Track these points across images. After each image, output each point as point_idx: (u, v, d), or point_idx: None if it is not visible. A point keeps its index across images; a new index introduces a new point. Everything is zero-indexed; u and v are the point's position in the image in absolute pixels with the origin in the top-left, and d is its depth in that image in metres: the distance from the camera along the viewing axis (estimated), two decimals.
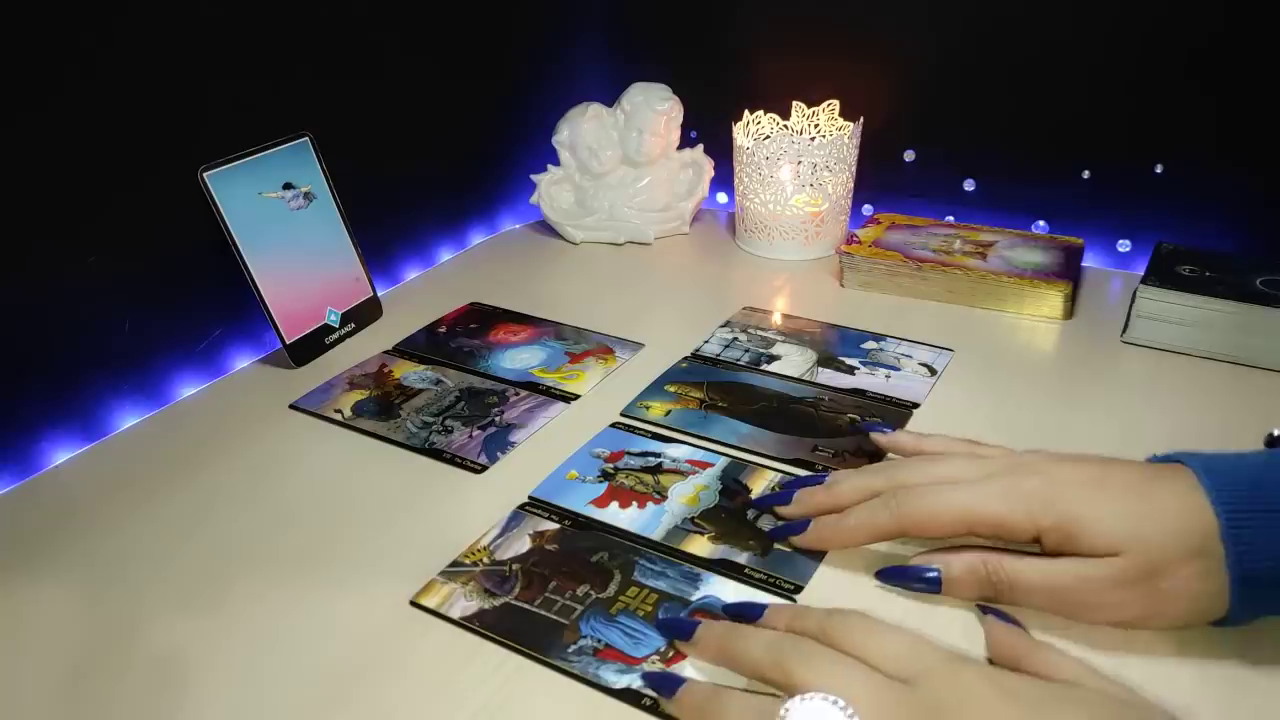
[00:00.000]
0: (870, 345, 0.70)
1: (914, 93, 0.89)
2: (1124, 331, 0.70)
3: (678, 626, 0.44)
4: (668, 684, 0.41)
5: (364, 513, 0.54)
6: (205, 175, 0.65)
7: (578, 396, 0.65)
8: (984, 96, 0.86)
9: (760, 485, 0.55)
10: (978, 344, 0.70)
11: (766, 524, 0.52)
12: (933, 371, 0.67)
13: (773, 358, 0.69)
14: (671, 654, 0.43)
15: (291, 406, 0.65)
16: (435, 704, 0.42)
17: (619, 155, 0.92)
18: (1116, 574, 0.42)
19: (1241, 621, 0.42)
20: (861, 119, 0.86)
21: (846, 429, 0.60)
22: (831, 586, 0.48)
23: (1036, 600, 0.44)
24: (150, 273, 0.66)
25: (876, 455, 0.57)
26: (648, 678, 0.42)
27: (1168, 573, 0.41)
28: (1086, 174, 0.84)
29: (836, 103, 0.88)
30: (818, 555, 0.49)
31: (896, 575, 0.46)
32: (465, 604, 0.47)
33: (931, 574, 0.45)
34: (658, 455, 0.58)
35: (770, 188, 0.85)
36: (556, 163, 0.93)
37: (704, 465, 0.57)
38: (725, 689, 0.40)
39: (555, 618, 0.46)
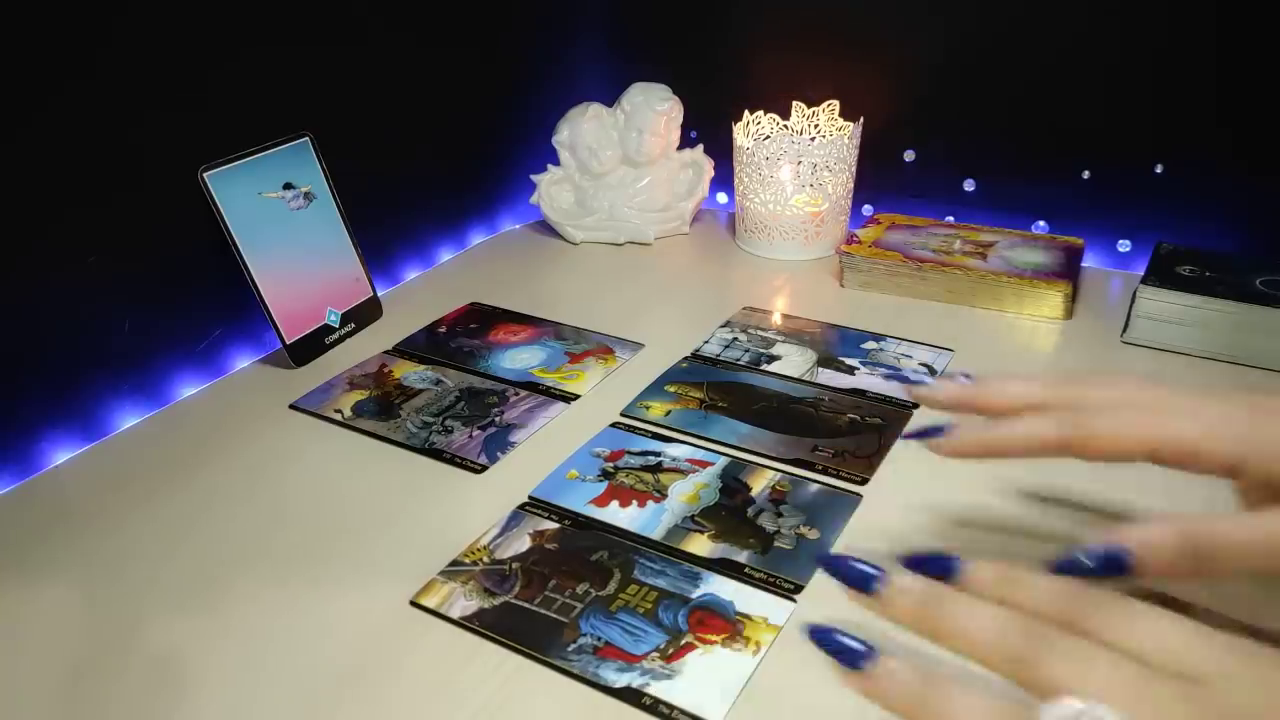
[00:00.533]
0: (870, 345, 0.70)
1: (914, 93, 0.89)
2: (1124, 331, 0.70)
3: (851, 573, 0.35)
4: (862, 655, 0.33)
5: (364, 512, 0.54)
6: (205, 175, 0.65)
7: (578, 396, 0.65)
8: (984, 96, 0.86)
9: (760, 484, 0.55)
10: (978, 344, 0.70)
11: (767, 523, 0.52)
12: (933, 371, 0.67)
13: (773, 358, 0.69)
14: (672, 651, 0.43)
15: (291, 406, 0.65)
16: (435, 704, 0.42)
17: (619, 155, 0.92)
18: None
19: None
20: (861, 119, 0.86)
21: (846, 429, 0.60)
22: (831, 586, 0.48)
23: (1254, 563, 0.33)
24: (150, 273, 0.66)
25: (878, 456, 0.57)
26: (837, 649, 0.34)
27: None
28: (1086, 174, 0.84)
29: (836, 103, 0.88)
30: (817, 554, 0.49)
31: (1070, 566, 0.33)
32: (465, 603, 0.47)
33: (1122, 555, 0.33)
34: (658, 454, 0.58)
35: (770, 188, 0.85)
36: (556, 163, 0.93)
37: (704, 464, 0.57)
38: (945, 678, 0.31)
39: (555, 616, 0.46)
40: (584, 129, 0.90)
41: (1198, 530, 0.33)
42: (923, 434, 0.40)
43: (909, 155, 0.91)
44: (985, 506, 0.52)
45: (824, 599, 0.47)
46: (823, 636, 0.35)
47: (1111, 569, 0.33)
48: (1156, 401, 0.37)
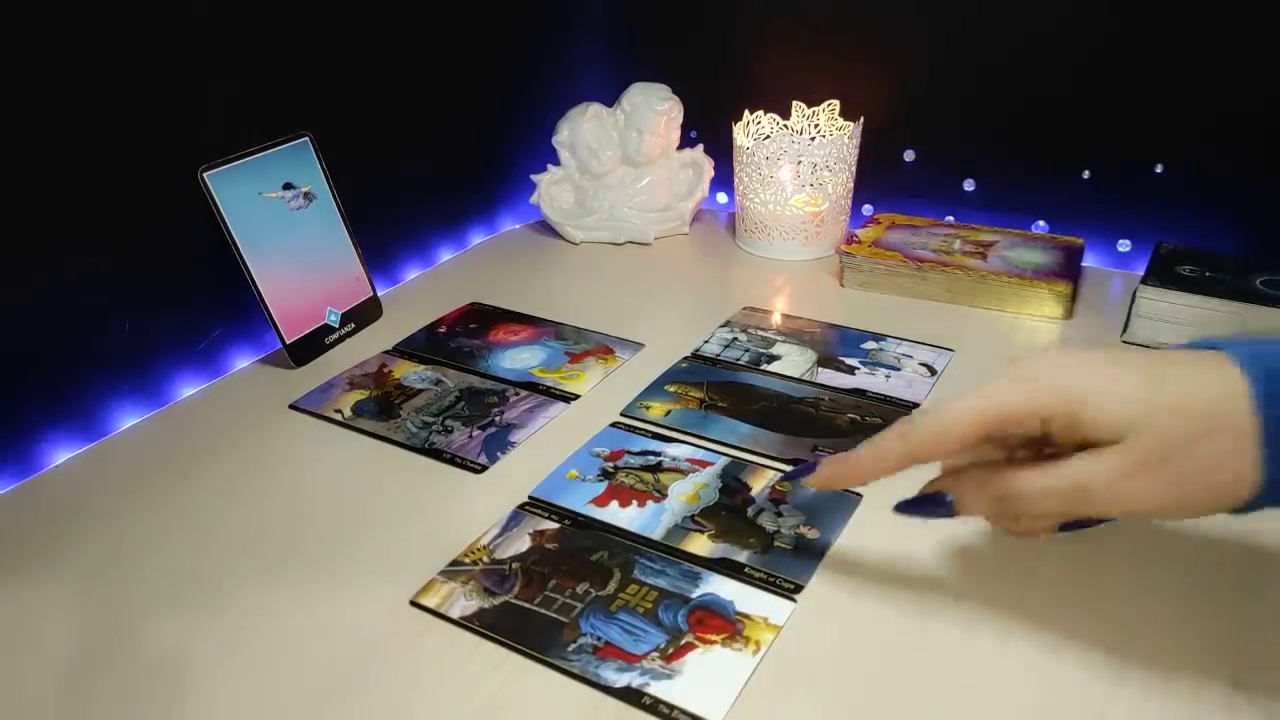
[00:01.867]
0: (870, 345, 0.70)
1: (914, 93, 0.89)
2: (1124, 331, 0.70)
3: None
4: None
5: (364, 512, 0.54)
6: (205, 175, 0.65)
7: (578, 396, 0.65)
8: (984, 97, 0.86)
9: (760, 484, 0.55)
10: (978, 344, 0.70)
11: (767, 523, 0.52)
12: (933, 371, 0.67)
13: (773, 358, 0.69)
14: (672, 651, 0.43)
15: (291, 406, 0.65)
16: (435, 704, 0.42)
17: (619, 155, 0.92)
18: (1124, 463, 0.38)
19: (1271, 503, 0.37)
20: (861, 119, 0.86)
21: (846, 429, 0.60)
22: (832, 586, 0.48)
23: (1046, 507, 0.40)
24: (150, 272, 0.66)
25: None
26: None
27: (1185, 453, 0.37)
28: (1086, 174, 0.84)
29: (836, 103, 0.88)
30: (817, 554, 0.49)
31: (913, 506, 0.44)
32: (465, 603, 0.47)
33: (945, 499, 0.43)
34: (658, 454, 0.58)
35: (770, 188, 0.85)
36: (556, 163, 0.93)
37: (704, 464, 0.57)
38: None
39: (555, 616, 0.46)
40: (584, 129, 0.90)
41: (998, 479, 0.41)
42: (795, 474, 0.47)
43: (909, 155, 0.91)
44: None
45: (826, 598, 0.47)
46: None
47: (942, 510, 0.43)
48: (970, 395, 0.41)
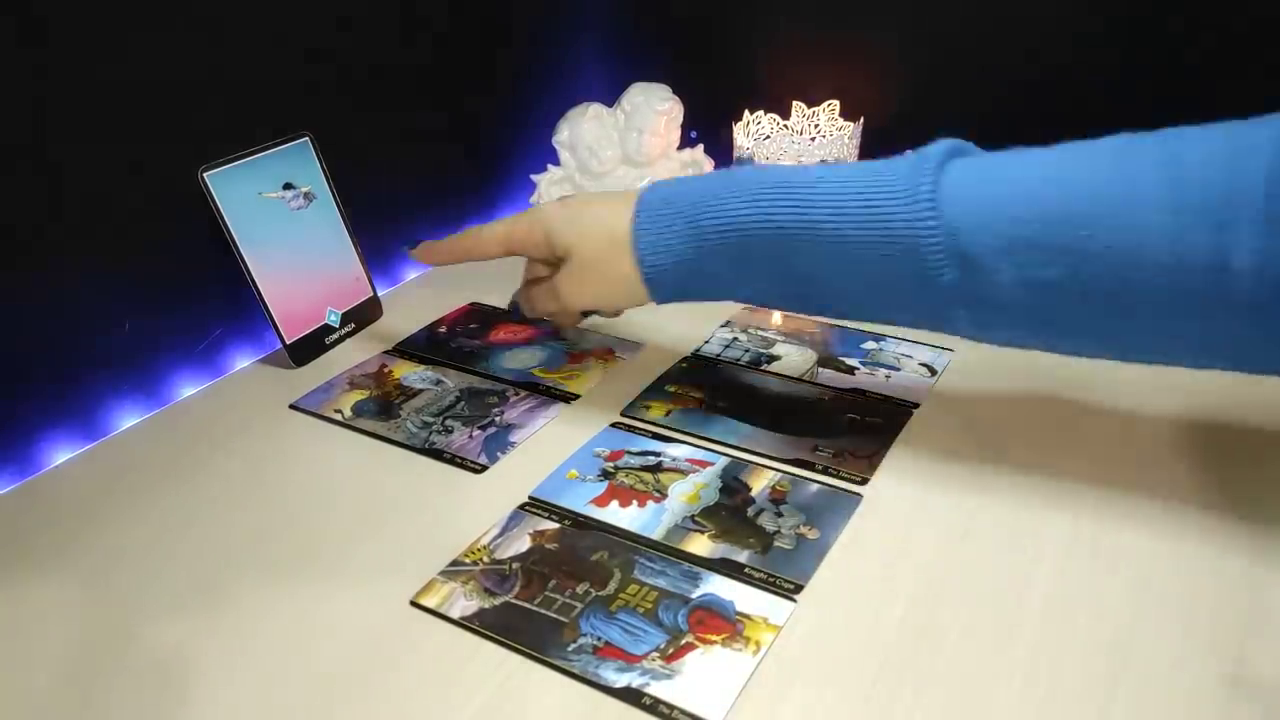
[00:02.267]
0: (870, 345, 0.70)
1: (914, 93, 0.89)
2: None
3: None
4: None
5: (364, 513, 0.54)
6: (205, 175, 0.65)
7: (578, 396, 0.65)
8: (984, 96, 0.85)
9: (760, 484, 0.55)
10: (978, 344, 0.70)
11: (767, 523, 0.52)
12: (933, 371, 0.67)
13: (773, 358, 0.69)
14: (672, 651, 0.43)
15: (291, 406, 0.65)
16: (435, 704, 0.42)
17: (619, 155, 0.92)
18: (568, 272, 0.59)
19: (665, 300, 0.58)
20: (861, 119, 0.86)
21: (846, 429, 0.60)
22: (832, 586, 0.48)
23: (550, 304, 0.62)
24: (150, 273, 0.66)
25: (878, 457, 0.57)
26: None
27: (600, 263, 0.57)
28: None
29: (836, 103, 0.88)
30: (817, 554, 0.49)
31: (511, 314, 0.71)
32: (465, 603, 0.47)
33: (517, 306, 0.68)
34: (658, 454, 0.58)
35: None
36: (556, 163, 0.92)
37: (704, 464, 0.57)
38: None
39: (555, 616, 0.46)
40: (584, 129, 0.90)
41: (527, 296, 0.66)
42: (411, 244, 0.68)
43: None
44: (986, 505, 0.52)
45: (824, 599, 0.47)
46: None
47: (517, 315, 0.70)
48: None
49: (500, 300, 0.80)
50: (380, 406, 0.65)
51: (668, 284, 0.56)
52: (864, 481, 0.55)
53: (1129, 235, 0.43)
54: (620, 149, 0.91)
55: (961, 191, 0.47)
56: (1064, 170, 0.46)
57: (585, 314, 0.66)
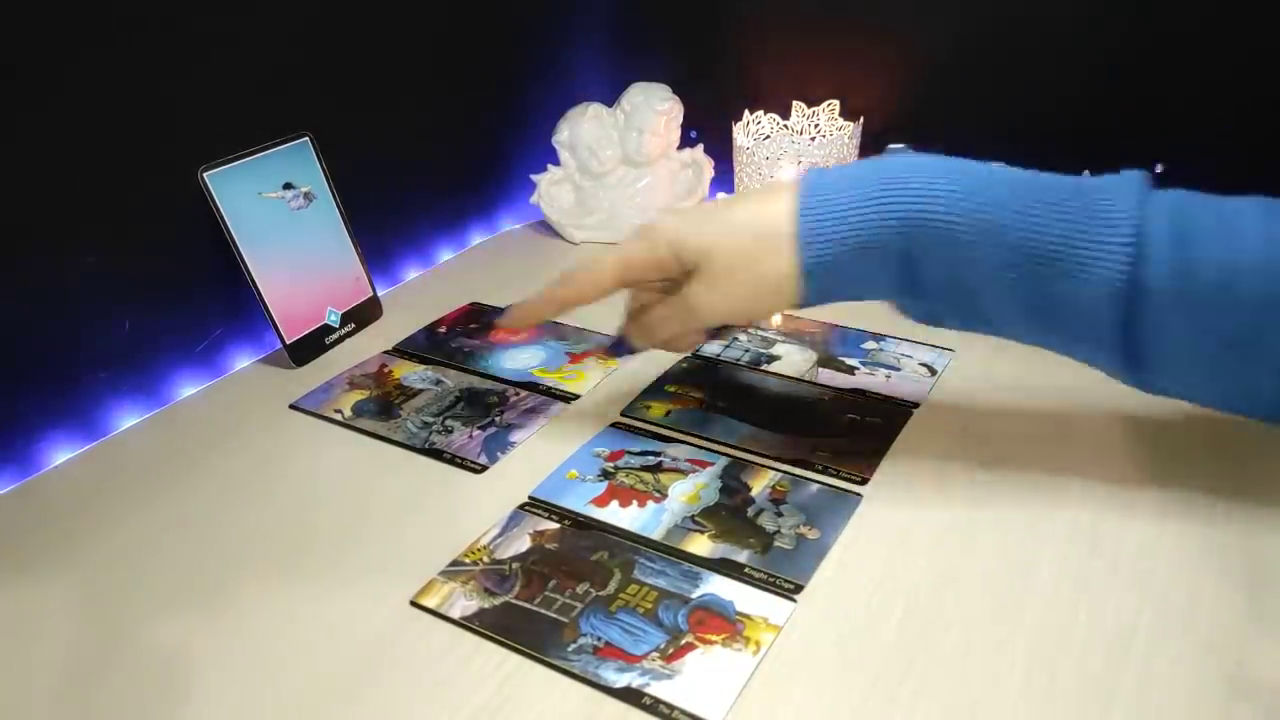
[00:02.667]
0: (870, 345, 0.70)
1: (914, 93, 0.89)
2: None
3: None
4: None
5: (364, 512, 0.54)
6: (205, 175, 0.65)
7: (578, 396, 0.65)
8: (984, 96, 0.85)
9: (760, 484, 0.55)
10: (978, 344, 0.70)
11: (767, 523, 0.52)
12: (933, 371, 0.67)
13: (773, 358, 0.69)
14: (672, 651, 0.43)
15: (291, 406, 0.65)
16: (435, 704, 0.42)
17: (619, 155, 0.92)
18: (704, 281, 0.51)
19: (812, 302, 0.51)
20: (861, 119, 0.86)
21: (846, 429, 0.60)
22: (832, 586, 0.48)
23: (674, 327, 0.55)
24: (150, 273, 0.66)
25: (878, 456, 0.57)
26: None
27: (746, 263, 0.50)
28: (1086, 173, 0.83)
29: (836, 103, 0.88)
30: (817, 554, 0.49)
31: (613, 350, 0.60)
32: (465, 603, 0.47)
33: (626, 340, 0.58)
34: (658, 454, 0.58)
35: None
36: (556, 163, 0.93)
37: (704, 464, 0.57)
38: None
39: (555, 616, 0.46)
40: (584, 129, 0.90)
41: (642, 316, 0.56)
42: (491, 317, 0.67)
43: None
44: (985, 505, 0.52)
45: (824, 599, 0.47)
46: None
47: (627, 350, 0.60)
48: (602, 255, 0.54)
49: (500, 300, 0.80)
50: (380, 406, 0.65)
51: (825, 282, 0.50)
52: (864, 481, 0.55)
53: None
54: (620, 149, 0.92)
55: (1164, 225, 0.44)
56: (1256, 214, 0.44)
57: (713, 333, 0.57)
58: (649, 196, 0.92)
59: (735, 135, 0.87)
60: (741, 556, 0.49)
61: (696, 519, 0.52)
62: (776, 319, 0.75)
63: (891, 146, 0.58)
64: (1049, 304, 0.46)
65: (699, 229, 0.51)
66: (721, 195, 0.59)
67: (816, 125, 0.89)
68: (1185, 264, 0.43)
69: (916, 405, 0.62)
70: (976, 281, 0.47)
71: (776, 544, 0.50)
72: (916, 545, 0.50)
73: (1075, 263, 0.44)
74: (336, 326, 0.74)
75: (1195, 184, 0.82)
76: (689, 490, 0.55)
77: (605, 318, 0.76)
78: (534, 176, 0.92)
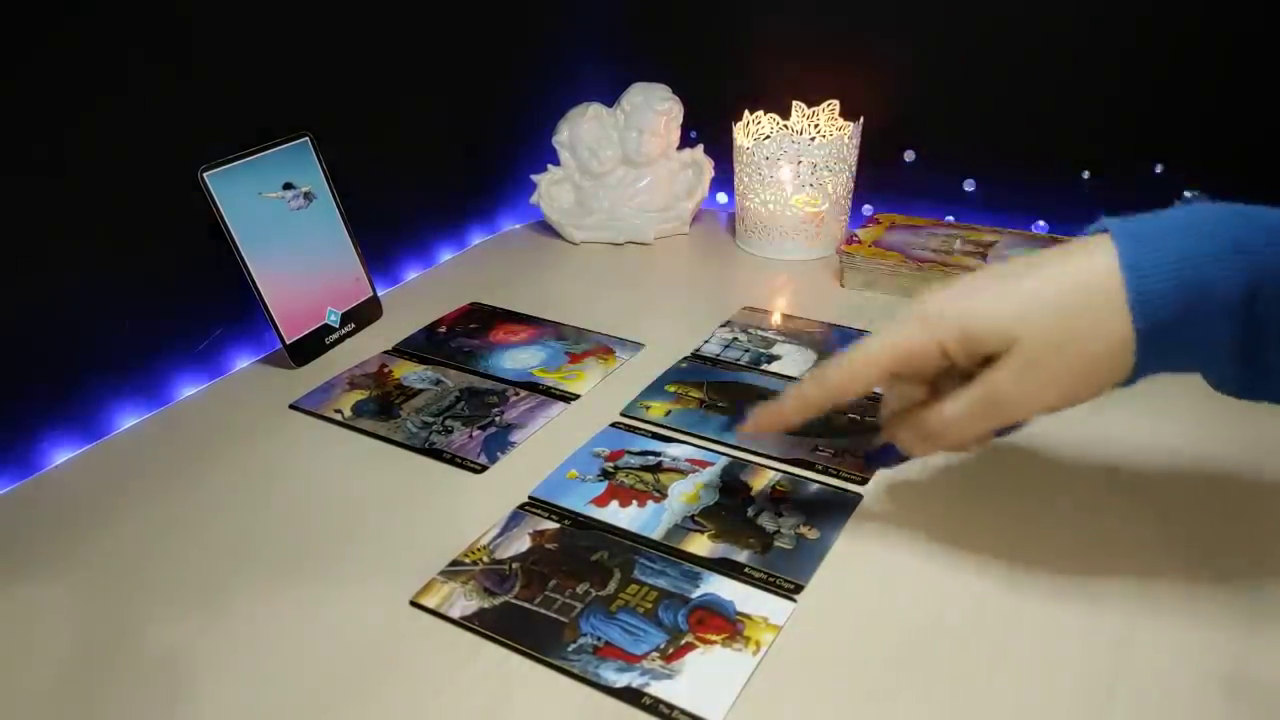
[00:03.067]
0: None
1: (914, 93, 0.89)
2: None
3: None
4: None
5: (364, 513, 0.54)
6: (205, 175, 0.65)
7: (578, 396, 0.65)
8: (984, 97, 0.86)
9: (760, 484, 0.55)
10: None
11: (767, 523, 0.52)
12: None
13: (773, 358, 0.69)
14: (672, 651, 0.43)
15: (291, 406, 0.65)
16: (435, 704, 0.42)
17: (619, 155, 0.92)
18: (1016, 367, 0.41)
19: (1150, 370, 0.41)
20: (861, 119, 0.86)
21: (846, 429, 0.60)
22: (832, 586, 0.48)
23: (968, 428, 0.44)
24: (150, 273, 0.66)
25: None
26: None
27: (1074, 337, 0.40)
28: (1086, 174, 0.84)
29: (836, 103, 0.88)
30: (817, 554, 0.49)
31: (878, 459, 0.50)
32: (465, 603, 0.47)
33: (894, 447, 0.48)
34: (658, 454, 0.58)
35: (770, 188, 0.85)
36: (556, 163, 0.93)
37: (704, 464, 0.57)
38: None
39: (555, 616, 0.46)
40: (584, 129, 0.90)
41: (924, 417, 0.44)
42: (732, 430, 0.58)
43: (909, 155, 0.91)
44: (986, 504, 0.52)
45: (824, 599, 0.47)
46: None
47: (898, 456, 0.48)
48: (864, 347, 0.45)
49: (501, 299, 0.80)
50: (380, 406, 0.65)
51: (1162, 344, 0.40)
52: (864, 481, 0.55)
53: None
54: (620, 149, 0.92)
55: None
56: None
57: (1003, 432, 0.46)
58: (649, 196, 0.92)
59: (735, 135, 0.87)
60: (741, 556, 0.49)
61: (696, 519, 0.52)
62: (776, 318, 0.75)
63: (1188, 194, 0.53)
64: None
65: (996, 308, 0.41)
66: (997, 264, 0.46)
67: (816, 125, 0.89)
68: None
69: None
70: None
71: (776, 544, 0.50)
72: (916, 545, 0.50)
73: None
74: (336, 326, 0.74)
75: (1196, 183, 0.82)
76: (689, 490, 0.55)
77: (608, 319, 0.76)
78: (534, 176, 0.92)
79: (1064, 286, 0.40)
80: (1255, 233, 0.40)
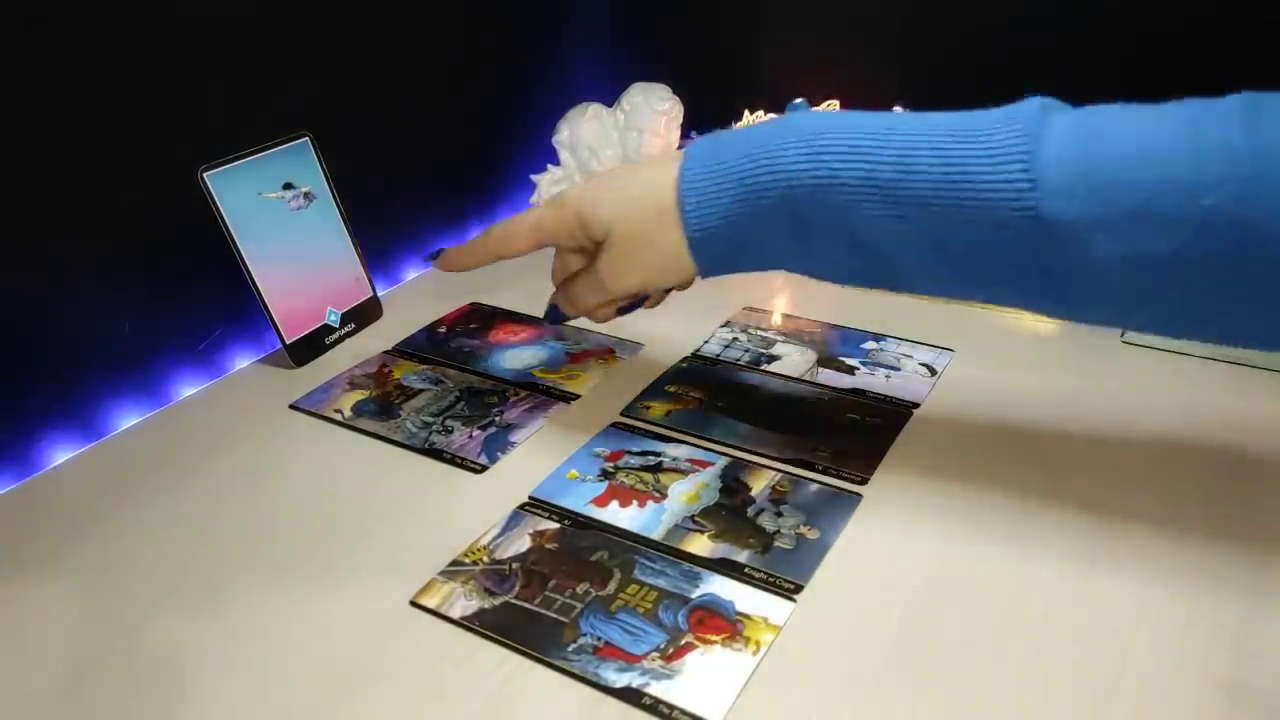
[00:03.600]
0: (870, 345, 0.70)
1: (914, 93, 0.89)
2: (1124, 332, 0.70)
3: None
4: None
5: (364, 513, 0.54)
6: (205, 175, 0.65)
7: (578, 396, 0.65)
8: (983, 96, 0.85)
9: (760, 484, 0.55)
10: (978, 344, 0.70)
11: (767, 523, 0.52)
12: (933, 371, 0.67)
13: (773, 358, 0.69)
14: (672, 651, 0.43)
15: (291, 406, 0.65)
16: (435, 704, 0.42)
17: (619, 155, 0.92)
18: (610, 253, 0.52)
19: (711, 273, 0.51)
20: None
21: (846, 428, 0.60)
22: (832, 586, 0.48)
23: (590, 298, 0.56)
24: (150, 273, 0.66)
25: (878, 457, 0.57)
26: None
27: (645, 237, 0.50)
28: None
29: (836, 103, 0.88)
30: (817, 554, 0.49)
31: (549, 315, 0.61)
32: (465, 603, 0.47)
33: (556, 307, 0.59)
34: (658, 454, 0.58)
35: None
36: (556, 163, 0.92)
37: (704, 464, 0.57)
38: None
39: (555, 616, 0.46)
40: (584, 129, 0.90)
41: (566, 294, 0.58)
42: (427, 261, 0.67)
43: None
44: (986, 505, 0.52)
45: (824, 599, 0.47)
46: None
47: (559, 318, 0.61)
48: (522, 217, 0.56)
49: (501, 299, 0.80)
50: (380, 406, 0.65)
51: (717, 252, 0.50)
52: (864, 481, 0.55)
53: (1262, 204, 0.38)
54: (620, 149, 0.91)
55: (1060, 152, 0.42)
56: (1176, 129, 0.42)
57: (625, 308, 0.58)
58: None
59: None
60: (741, 556, 0.49)
61: (696, 519, 0.52)
62: (776, 318, 0.75)
63: (793, 102, 0.61)
64: (959, 254, 0.44)
65: (601, 202, 0.51)
66: (624, 164, 0.59)
67: None
68: (1096, 189, 0.40)
69: (916, 405, 0.62)
70: (873, 239, 0.46)
71: (776, 544, 0.50)
72: (916, 545, 0.50)
73: (971, 207, 0.42)
74: (336, 326, 0.74)
75: None
76: (689, 490, 0.55)
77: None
78: (534, 176, 0.92)
79: (643, 193, 0.50)
80: (786, 136, 0.46)
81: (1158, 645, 0.43)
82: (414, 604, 0.47)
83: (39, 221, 0.59)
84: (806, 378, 0.66)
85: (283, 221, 0.71)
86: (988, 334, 0.72)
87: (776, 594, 0.47)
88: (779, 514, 0.52)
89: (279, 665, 0.44)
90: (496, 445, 0.60)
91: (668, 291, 0.58)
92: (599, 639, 0.44)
